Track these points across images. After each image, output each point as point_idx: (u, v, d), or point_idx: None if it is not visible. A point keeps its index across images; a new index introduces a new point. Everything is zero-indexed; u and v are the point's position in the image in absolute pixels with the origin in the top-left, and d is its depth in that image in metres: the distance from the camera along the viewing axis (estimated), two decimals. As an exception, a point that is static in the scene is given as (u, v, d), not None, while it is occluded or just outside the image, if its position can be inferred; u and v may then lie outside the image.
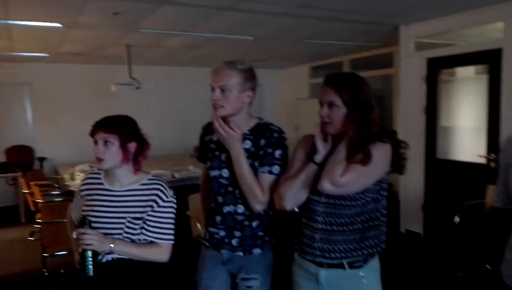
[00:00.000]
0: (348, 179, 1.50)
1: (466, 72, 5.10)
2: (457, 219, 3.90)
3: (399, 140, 1.61)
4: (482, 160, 4.39)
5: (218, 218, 1.91)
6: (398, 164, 1.59)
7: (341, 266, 1.62)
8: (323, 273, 1.65)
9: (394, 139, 1.61)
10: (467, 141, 4.97)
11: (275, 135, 1.82)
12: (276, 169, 1.78)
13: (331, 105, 1.58)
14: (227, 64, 1.80)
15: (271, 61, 7.79)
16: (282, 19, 4.55)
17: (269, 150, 1.79)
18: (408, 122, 5.21)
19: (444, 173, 4.86)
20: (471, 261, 4.04)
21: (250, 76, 1.82)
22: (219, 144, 1.86)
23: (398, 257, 4.31)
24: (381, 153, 1.54)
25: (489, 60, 4.28)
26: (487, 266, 3.91)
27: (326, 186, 1.53)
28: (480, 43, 4.68)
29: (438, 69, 4.91)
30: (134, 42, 5.71)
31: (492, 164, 4.27)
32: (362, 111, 1.55)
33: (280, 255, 1.94)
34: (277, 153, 1.79)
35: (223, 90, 1.76)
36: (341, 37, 5.69)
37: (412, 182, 5.08)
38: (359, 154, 1.51)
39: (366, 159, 1.50)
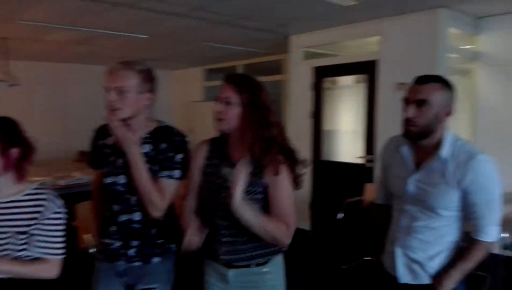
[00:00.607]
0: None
1: (346, 80, 5.61)
2: (340, 215, 4.25)
3: (297, 159, 1.66)
4: (361, 161, 4.86)
5: (112, 228, 1.79)
6: (295, 181, 1.65)
7: (248, 266, 1.66)
8: (231, 273, 1.68)
9: (293, 159, 1.65)
10: (347, 143, 5.45)
11: (177, 138, 1.77)
12: (176, 173, 1.74)
13: (227, 102, 1.60)
14: (124, 64, 1.70)
15: (164, 61, 7.61)
16: (177, 19, 4.48)
17: (170, 154, 1.74)
18: (297, 126, 5.54)
19: (329, 173, 5.27)
20: (353, 253, 4.45)
21: (149, 78, 1.74)
22: (115, 149, 1.75)
23: (288, 254, 4.53)
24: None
25: (367, 70, 4.77)
26: (367, 257, 4.35)
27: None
28: (359, 54, 5.19)
29: (323, 77, 5.32)
30: (12, 35, 5.10)
31: (369, 165, 4.76)
32: (259, 113, 1.59)
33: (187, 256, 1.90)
34: (178, 157, 1.74)
35: (120, 92, 1.66)
36: (236, 42, 5.81)
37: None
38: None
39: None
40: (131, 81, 1.67)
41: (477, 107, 4.51)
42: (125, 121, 1.68)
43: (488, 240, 1.58)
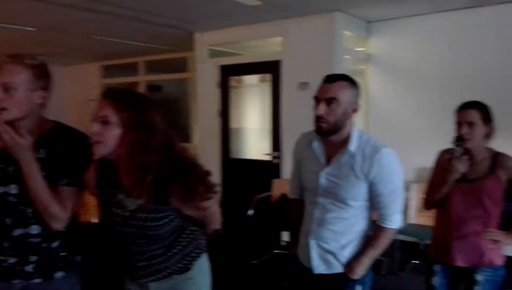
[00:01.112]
0: None
1: (252, 79, 5.71)
2: (250, 212, 4.32)
3: (210, 183, 1.49)
4: (268, 158, 4.99)
5: (6, 244, 1.57)
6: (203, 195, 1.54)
7: (169, 275, 1.59)
8: (153, 285, 1.60)
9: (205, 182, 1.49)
10: (255, 141, 5.55)
11: (76, 141, 1.61)
12: (78, 180, 1.58)
13: (105, 121, 1.39)
14: (12, 58, 1.49)
15: (57, 56, 6.97)
16: (68, 11, 4.11)
17: (70, 159, 1.57)
18: (205, 124, 5.49)
19: (238, 171, 5.32)
20: (264, 248, 4.55)
21: (42, 73, 1.55)
22: (3, 155, 1.53)
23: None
24: None
25: (271, 69, 4.90)
26: (277, 251, 4.48)
27: None
28: (264, 54, 5.31)
29: (229, 75, 5.34)
30: None
31: (276, 161, 4.91)
32: (142, 135, 1.40)
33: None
34: (79, 161, 1.58)
35: (6, 89, 1.46)
36: (136, 38, 5.55)
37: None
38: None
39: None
40: (20, 76, 1.48)
41: (369, 103, 4.91)
42: (13, 122, 1.48)
43: (393, 227, 1.72)
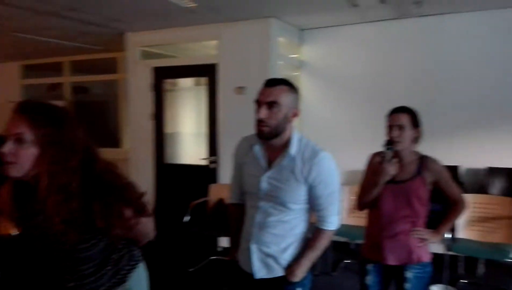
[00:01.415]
0: None
1: (187, 82, 5.61)
2: (186, 218, 4.21)
3: (140, 205, 1.42)
4: (204, 162, 4.92)
5: None
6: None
7: None
8: None
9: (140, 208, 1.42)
10: (191, 145, 5.45)
11: None
12: None
13: (19, 139, 1.25)
14: None
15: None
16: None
17: None
18: (137, 128, 5.28)
19: (173, 176, 5.18)
20: (200, 255, 4.46)
21: None
22: None
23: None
24: None
25: (207, 73, 4.85)
26: (214, 257, 4.41)
27: None
28: (199, 57, 5.24)
29: (163, 78, 5.19)
30: None
31: (213, 166, 4.85)
32: (62, 154, 1.27)
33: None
34: None
35: None
36: (59, 35, 5.20)
37: (142, 187, 5.14)
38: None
39: None
40: None
41: (302, 108, 5.03)
42: None
43: (332, 228, 1.76)
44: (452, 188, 2.21)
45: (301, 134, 1.77)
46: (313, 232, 1.79)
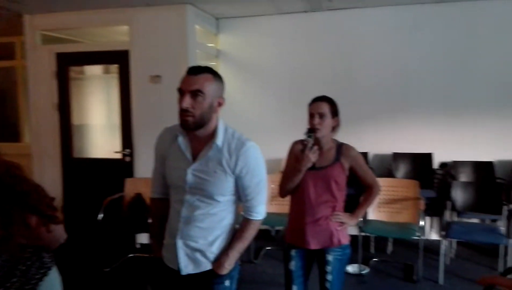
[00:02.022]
0: None
1: (95, 70, 5.23)
2: (100, 215, 3.95)
3: (48, 211, 1.30)
4: (118, 156, 4.64)
5: None
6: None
7: None
8: None
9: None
10: (103, 138, 5.10)
11: None
12: None
13: None
14: None
15: None
16: None
17: None
18: (40, 119, 4.81)
19: (83, 172, 4.81)
20: (117, 253, 4.23)
21: None
22: None
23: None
24: None
25: (118, 60, 4.55)
26: (132, 255, 4.21)
27: None
28: (109, 43, 4.90)
29: (68, 65, 4.78)
30: None
31: (128, 159, 4.60)
32: None
33: None
34: None
35: None
36: None
37: (49, 185, 4.71)
38: None
39: None
40: None
41: (221, 99, 4.99)
42: None
43: (259, 218, 1.75)
44: (367, 173, 2.34)
45: (227, 124, 1.73)
46: (241, 223, 1.77)
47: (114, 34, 4.95)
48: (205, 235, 1.69)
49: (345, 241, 2.28)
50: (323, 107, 2.21)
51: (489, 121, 4.49)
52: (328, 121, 2.22)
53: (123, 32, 4.63)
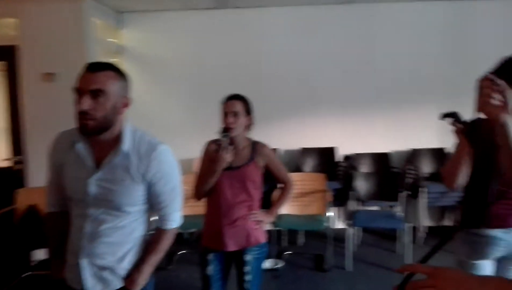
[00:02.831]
0: None
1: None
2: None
3: None
4: (7, 164, 4.11)
5: None
6: None
7: None
8: None
9: None
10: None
11: None
12: None
13: None
14: None
15: None
16: None
17: None
18: None
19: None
20: (9, 272, 3.75)
21: None
22: None
23: None
24: None
25: (5, 56, 4.03)
26: (28, 273, 3.77)
27: None
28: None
29: None
30: None
31: (18, 167, 4.10)
32: None
33: None
34: None
35: None
36: None
37: None
38: None
39: None
40: None
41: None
42: None
43: (175, 226, 1.64)
44: (281, 170, 2.36)
45: (135, 126, 1.58)
46: (154, 233, 1.64)
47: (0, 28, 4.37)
48: (113, 251, 1.53)
49: (263, 239, 2.27)
50: (237, 106, 2.18)
51: (384, 116, 4.87)
52: (242, 119, 2.19)
53: (10, 26, 4.10)
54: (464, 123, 1.55)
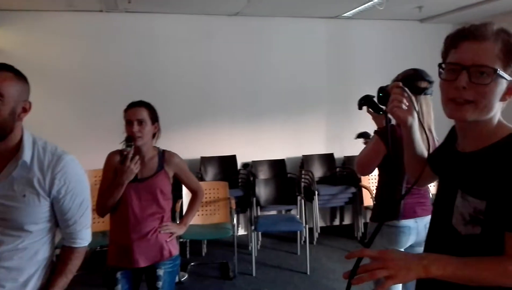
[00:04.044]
0: None
1: None
2: None
3: None
4: None
5: None
6: None
7: None
8: None
9: None
10: None
11: None
12: None
13: None
14: None
15: None
16: None
17: None
18: None
19: None
20: None
21: None
22: None
23: None
24: None
25: None
26: None
27: None
28: None
29: None
30: None
31: None
32: None
33: None
34: None
35: None
36: None
37: None
38: None
39: None
40: None
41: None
42: None
43: (85, 244, 1.48)
44: (191, 178, 2.32)
45: (34, 135, 1.40)
46: (61, 253, 1.46)
47: None
48: (14, 277, 1.33)
49: (176, 251, 2.19)
50: (142, 113, 2.06)
51: (280, 125, 5.10)
52: (149, 128, 2.08)
53: None
54: (378, 106, 1.85)
